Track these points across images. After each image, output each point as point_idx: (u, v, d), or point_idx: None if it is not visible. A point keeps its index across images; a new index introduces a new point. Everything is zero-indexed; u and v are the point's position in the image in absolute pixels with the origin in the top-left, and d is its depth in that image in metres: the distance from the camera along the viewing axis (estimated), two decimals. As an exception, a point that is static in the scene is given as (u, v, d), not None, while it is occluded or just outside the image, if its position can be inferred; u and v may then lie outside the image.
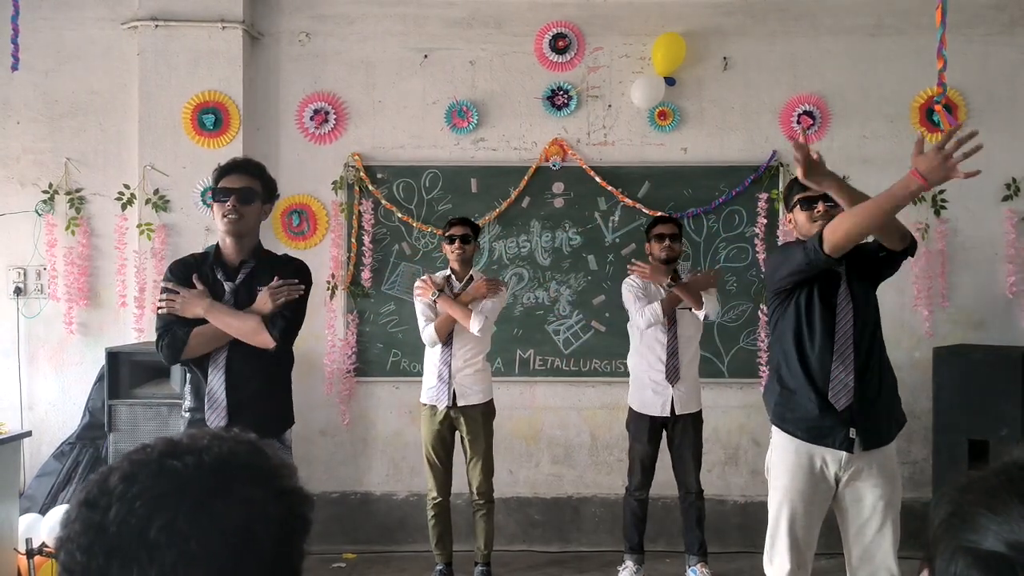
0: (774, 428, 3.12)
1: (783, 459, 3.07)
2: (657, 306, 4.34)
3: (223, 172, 3.14)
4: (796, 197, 3.06)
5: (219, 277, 3.14)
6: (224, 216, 3.09)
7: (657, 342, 4.42)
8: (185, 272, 3.15)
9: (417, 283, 4.45)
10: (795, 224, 3.14)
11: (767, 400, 3.21)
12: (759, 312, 5.15)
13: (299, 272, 3.21)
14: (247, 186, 3.11)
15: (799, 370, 3.01)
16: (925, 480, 5.12)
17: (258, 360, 3.07)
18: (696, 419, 4.49)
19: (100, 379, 4.79)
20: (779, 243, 5.07)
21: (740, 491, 5.22)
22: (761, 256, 5.15)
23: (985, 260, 5.19)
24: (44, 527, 4.24)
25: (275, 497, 0.87)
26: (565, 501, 5.26)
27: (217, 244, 3.21)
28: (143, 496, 0.82)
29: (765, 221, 5.16)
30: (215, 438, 0.90)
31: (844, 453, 2.96)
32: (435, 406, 4.38)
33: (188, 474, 0.84)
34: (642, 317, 4.36)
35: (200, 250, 4.83)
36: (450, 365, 4.35)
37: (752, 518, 5.11)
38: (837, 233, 2.76)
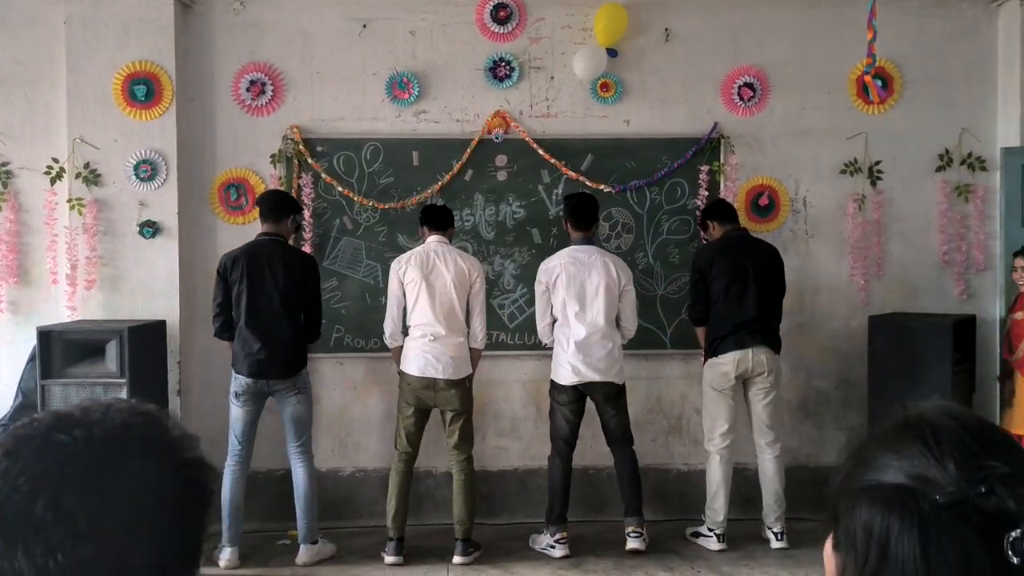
0: None
1: None
2: None
3: None
4: None
5: None
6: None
7: None
8: None
9: None
10: None
11: None
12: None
13: None
14: None
15: None
16: (861, 445, 5.24)
17: None
18: None
19: (32, 359, 4.66)
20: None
21: (683, 460, 5.30)
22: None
23: (919, 230, 5.30)
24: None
25: (171, 470, 0.85)
26: (511, 473, 5.29)
27: None
28: (27, 472, 0.79)
29: (706, 193, 5.20)
30: (110, 409, 0.87)
31: None
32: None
33: (75, 448, 0.81)
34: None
35: (135, 225, 4.79)
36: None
37: (693, 486, 5.19)
38: None
